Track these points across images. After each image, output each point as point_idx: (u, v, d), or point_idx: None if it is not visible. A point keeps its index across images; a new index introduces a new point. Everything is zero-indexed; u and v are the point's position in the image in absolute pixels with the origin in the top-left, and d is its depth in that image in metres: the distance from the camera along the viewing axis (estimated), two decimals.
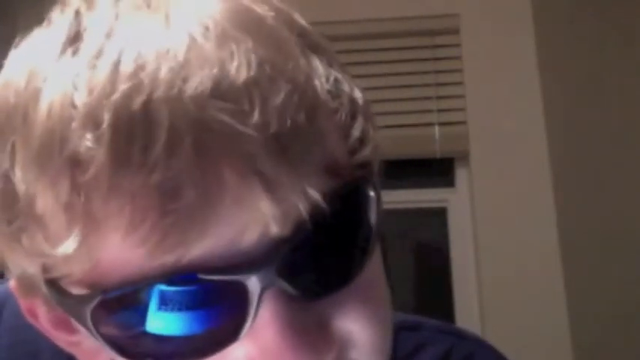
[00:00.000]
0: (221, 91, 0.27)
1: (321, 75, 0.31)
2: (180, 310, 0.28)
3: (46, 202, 0.27)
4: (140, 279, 0.27)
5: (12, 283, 0.34)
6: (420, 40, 2.07)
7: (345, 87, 0.32)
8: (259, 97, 0.27)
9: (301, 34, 0.32)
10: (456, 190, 2.04)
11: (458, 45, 2.05)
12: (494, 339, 0.55)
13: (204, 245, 0.27)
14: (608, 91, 1.94)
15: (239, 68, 0.27)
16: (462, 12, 2.06)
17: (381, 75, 2.04)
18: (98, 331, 0.29)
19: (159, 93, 0.26)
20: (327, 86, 0.31)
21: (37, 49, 0.30)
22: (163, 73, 0.27)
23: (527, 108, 1.96)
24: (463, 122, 1.99)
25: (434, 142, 1.99)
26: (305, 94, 0.29)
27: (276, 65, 0.28)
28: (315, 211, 0.28)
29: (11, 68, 0.31)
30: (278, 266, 0.28)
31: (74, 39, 0.29)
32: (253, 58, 0.28)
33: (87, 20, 0.30)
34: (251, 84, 0.27)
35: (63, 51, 0.29)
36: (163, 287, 0.27)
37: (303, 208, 0.28)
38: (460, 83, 2.02)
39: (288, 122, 0.28)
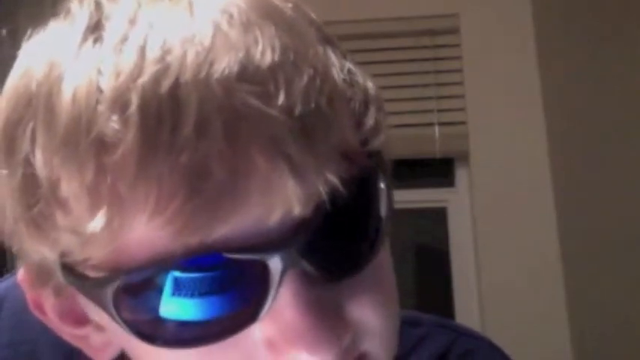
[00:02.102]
0: (247, 74, 0.27)
1: (337, 64, 0.31)
2: (200, 294, 0.28)
3: (71, 185, 0.27)
4: (163, 260, 0.28)
5: (21, 274, 0.34)
6: (420, 40, 2.07)
7: (359, 78, 0.33)
8: (284, 80, 0.28)
9: (317, 27, 0.33)
10: (456, 190, 2.04)
11: (458, 45, 2.05)
12: (494, 338, 0.55)
13: (230, 226, 0.27)
14: (609, 92, 1.94)
15: (264, 52, 0.28)
16: (461, 12, 2.06)
17: (381, 75, 2.03)
18: (119, 315, 0.29)
19: (186, 76, 0.27)
20: (342, 75, 0.31)
21: (57, 39, 0.30)
22: (190, 57, 0.27)
23: (527, 108, 1.96)
24: (463, 122, 2.00)
25: (434, 142, 1.99)
26: (325, 79, 0.30)
27: (298, 51, 0.29)
28: (333, 195, 0.29)
29: (29, 58, 0.31)
30: (300, 247, 0.28)
31: (95, 27, 0.29)
32: (277, 43, 0.29)
33: (109, 9, 0.30)
34: (276, 67, 0.28)
35: (84, 39, 0.29)
36: (183, 271, 0.28)
37: (323, 190, 0.28)
38: (460, 83, 2.02)
39: (312, 105, 0.28)
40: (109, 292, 0.28)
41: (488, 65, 2.01)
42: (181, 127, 0.26)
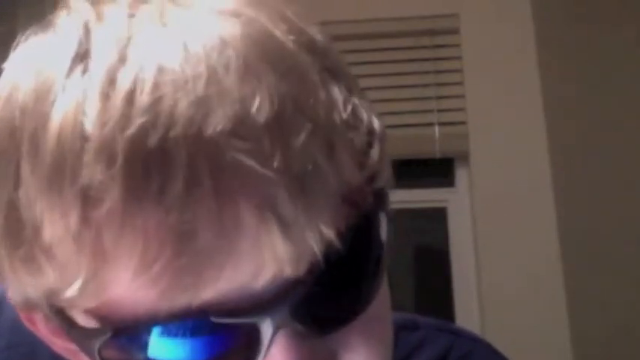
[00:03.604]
0: (242, 130, 0.26)
1: (340, 104, 0.30)
2: (187, 338, 0.27)
3: (55, 232, 0.26)
4: (150, 319, 0.27)
5: (10, 296, 0.33)
6: (420, 40, 2.07)
7: (363, 115, 0.31)
8: (281, 138, 0.26)
9: (321, 56, 0.31)
10: (456, 190, 2.04)
11: (458, 45, 2.05)
12: (494, 339, 0.55)
13: (218, 287, 0.26)
14: (609, 92, 1.94)
15: (261, 106, 0.26)
16: (461, 12, 2.06)
17: (381, 75, 2.04)
18: None
19: (177, 130, 0.25)
20: (345, 116, 0.30)
21: (44, 62, 0.28)
22: (181, 108, 0.25)
23: (527, 108, 1.96)
24: (463, 122, 1.99)
25: (434, 142, 1.99)
26: (325, 130, 0.28)
27: (297, 101, 0.27)
28: (328, 250, 0.28)
29: (15, 78, 0.29)
30: (291, 308, 0.27)
31: (84, 55, 0.27)
32: (275, 94, 0.27)
33: (97, 35, 0.28)
34: (272, 123, 0.26)
35: (72, 68, 0.27)
36: (169, 335, 0.27)
37: (317, 249, 0.27)
38: (460, 83, 2.02)
39: (310, 165, 0.27)
40: (96, 344, 0.28)
41: (488, 65, 2.01)
42: (169, 185, 0.25)
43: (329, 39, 0.33)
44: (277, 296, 0.27)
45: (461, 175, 2.04)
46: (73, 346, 0.32)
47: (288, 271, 0.27)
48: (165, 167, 0.25)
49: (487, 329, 1.81)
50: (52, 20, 0.30)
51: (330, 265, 0.28)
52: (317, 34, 0.32)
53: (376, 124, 0.32)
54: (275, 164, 0.26)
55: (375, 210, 0.31)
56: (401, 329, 0.49)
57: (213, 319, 0.27)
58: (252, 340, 0.27)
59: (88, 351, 0.29)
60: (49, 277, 0.27)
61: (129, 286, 0.26)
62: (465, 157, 2.01)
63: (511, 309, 1.82)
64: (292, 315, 0.27)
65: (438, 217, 2.03)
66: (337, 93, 0.30)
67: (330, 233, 0.27)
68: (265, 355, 0.27)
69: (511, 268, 1.85)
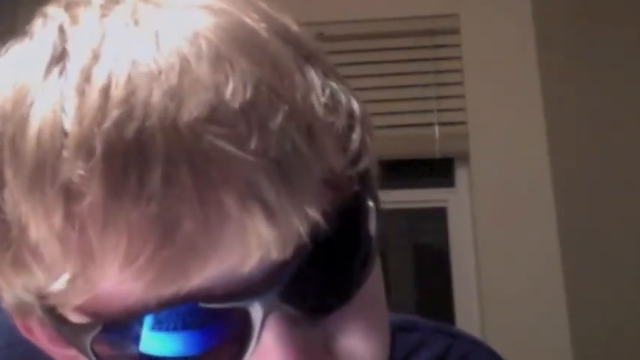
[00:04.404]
0: (217, 116, 0.26)
1: (318, 88, 0.30)
2: (178, 330, 0.27)
3: (40, 232, 0.27)
4: (140, 309, 0.27)
5: (5, 303, 0.33)
6: (420, 40, 2.07)
7: (342, 98, 0.31)
8: (257, 121, 0.26)
9: (295, 43, 0.31)
10: (456, 190, 2.04)
11: (458, 45, 2.05)
12: (494, 339, 0.55)
13: (205, 275, 0.26)
14: (610, 91, 1.94)
15: (235, 92, 0.26)
16: (461, 12, 2.06)
17: (381, 75, 2.04)
18: (97, 357, 0.28)
19: (152, 120, 0.25)
20: (323, 99, 0.30)
21: (22, 68, 0.29)
22: (156, 98, 0.26)
23: (527, 108, 1.96)
24: (463, 122, 1.99)
25: (434, 142, 1.99)
26: (303, 113, 0.28)
27: (272, 85, 0.28)
28: (315, 231, 0.28)
29: None
30: (280, 290, 0.27)
31: (60, 57, 0.28)
32: (249, 79, 0.27)
33: (72, 37, 0.28)
34: (248, 108, 0.26)
35: (48, 71, 0.28)
36: (160, 325, 0.27)
37: (303, 231, 0.27)
38: (460, 83, 2.02)
39: (288, 146, 0.27)
40: (88, 338, 0.28)
41: (488, 65, 2.01)
42: (148, 176, 0.25)
43: (304, 28, 0.33)
44: (265, 279, 0.27)
45: (461, 175, 2.04)
46: (71, 352, 0.32)
47: (275, 254, 0.27)
48: (143, 158, 0.25)
49: (487, 329, 1.81)
50: (29, 29, 0.31)
51: (318, 247, 0.28)
52: (291, 22, 0.32)
53: (356, 106, 0.32)
54: (252, 146, 0.26)
55: (361, 192, 0.31)
56: (400, 330, 0.49)
57: (202, 305, 0.27)
58: (243, 328, 0.27)
59: (81, 348, 0.29)
60: (39, 277, 0.28)
61: (116, 279, 0.26)
62: (465, 157, 2.01)
63: (511, 309, 1.81)
64: (282, 298, 0.27)
65: (438, 217, 2.03)
66: (314, 77, 0.30)
67: (315, 214, 0.27)
68: (257, 343, 0.27)
69: (511, 268, 1.85)
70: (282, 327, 0.28)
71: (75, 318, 0.29)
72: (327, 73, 0.32)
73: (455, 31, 2.06)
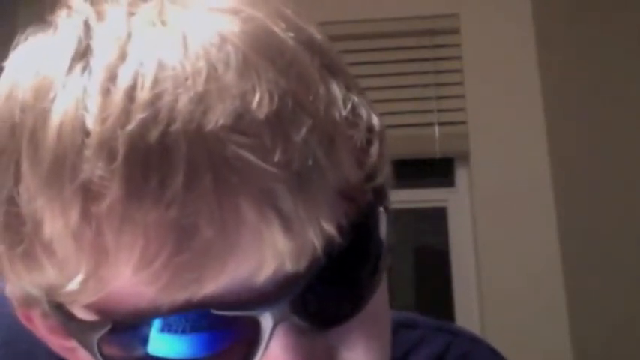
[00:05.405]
0: (242, 125, 0.26)
1: (340, 101, 0.30)
2: (187, 333, 0.27)
3: (55, 228, 0.26)
4: (151, 312, 0.27)
5: (8, 292, 0.33)
6: (420, 40, 2.07)
7: (363, 112, 0.31)
8: (281, 133, 0.26)
9: (319, 54, 0.31)
10: (456, 190, 2.04)
11: (458, 45, 2.05)
12: (494, 339, 0.55)
13: (219, 282, 0.26)
14: (609, 91, 1.94)
15: (261, 101, 0.26)
16: (461, 12, 2.06)
17: (381, 75, 2.04)
18: (102, 355, 0.28)
19: (177, 125, 0.25)
20: (345, 113, 0.30)
21: (44, 60, 0.28)
22: (182, 103, 0.25)
23: (527, 108, 1.96)
24: (463, 122, 2.00)
25: (434, 142, 1.99)
26: (325, 126, 0.28)
27: (297, 97, 0.27)
28: (329, 245, 0.28)
29: (15, 76, 0.29)
30: (291, 302, 0.27)
31: (84, 53, 0.28)
32: (275, 89, 0.27)
33: (97, 34, 0.28)
34: (273, 119, 0.26)
35: (72, 66, 0.27)
36: (170, 328, 0.27)
37: (318, 244, 0.27)
38: (460, 83, 2.03)
39: (310, 160, 0.27)
40: (95, 337, 0.28)
41: (488, 65, 2.01)
42: (170, 181, 0.25)
43: (327, 38, 0.33)
44: (278, 290, 0.27)
45: (461, 175, 2.04)
46: (70, 344, 0.32)
47: (289, 265, 0.27)
48: (166, 162, 0.25)
49: (487, 329, 1.81)
50: (53, 20, 0.30)
51: (331, 261, 0.28)
52: (316, 32, 0.32)
53: (376, 122, 0.32)
54: (275, 159, 0.26)
55: (375, 207, 0.31)
56: (400, 327, 0.49)
57: (214, 312, 0.27)
58: (251, 334, 0.27)
59: (87, 345, 0.29)
60: (50, 273, 0.28)
61: (129, 281, 0.26)
62: (465, 157, 2.01)
63: (511, 309, 1.81)
64: (292, 309, 0.27)
65: (438, 217, 2.03)
66: (337, 90, 0.30)
67: (330, 228, 0.27)
68: (265, 350, 0.28)
69: (511, 268, 1.85)
70: (290, 337, 0.28)
71: (82, 314, 0.29)
72: (349, 85, 0.32)
73: (455, 31, 2.06)
